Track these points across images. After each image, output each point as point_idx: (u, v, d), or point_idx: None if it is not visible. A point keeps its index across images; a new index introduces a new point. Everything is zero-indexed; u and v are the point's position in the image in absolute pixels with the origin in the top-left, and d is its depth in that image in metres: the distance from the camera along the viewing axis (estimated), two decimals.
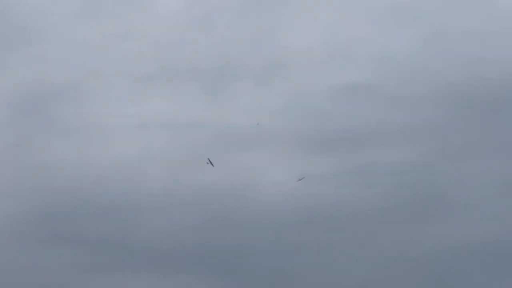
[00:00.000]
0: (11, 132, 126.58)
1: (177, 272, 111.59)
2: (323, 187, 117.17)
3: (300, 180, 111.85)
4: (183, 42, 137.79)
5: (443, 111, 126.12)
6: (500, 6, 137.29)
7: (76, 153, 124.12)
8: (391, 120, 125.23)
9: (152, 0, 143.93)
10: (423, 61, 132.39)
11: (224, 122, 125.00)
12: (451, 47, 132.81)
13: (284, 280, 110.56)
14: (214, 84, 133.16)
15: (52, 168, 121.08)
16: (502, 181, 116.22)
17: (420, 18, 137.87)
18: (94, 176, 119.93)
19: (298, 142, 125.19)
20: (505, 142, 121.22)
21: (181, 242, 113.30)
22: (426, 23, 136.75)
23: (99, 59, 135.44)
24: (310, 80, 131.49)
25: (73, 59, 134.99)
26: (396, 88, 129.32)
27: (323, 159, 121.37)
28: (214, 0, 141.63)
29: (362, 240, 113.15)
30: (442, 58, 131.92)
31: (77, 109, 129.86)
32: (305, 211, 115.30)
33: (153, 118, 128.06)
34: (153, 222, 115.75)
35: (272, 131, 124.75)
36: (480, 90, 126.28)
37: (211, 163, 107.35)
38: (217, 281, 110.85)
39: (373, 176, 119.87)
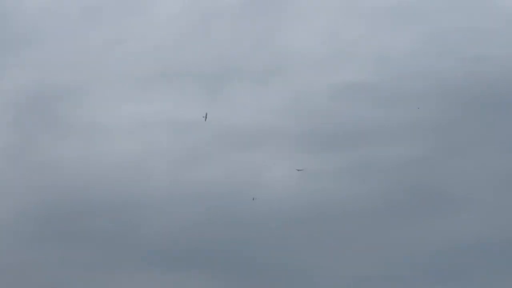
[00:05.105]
0: (15, 133, 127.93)
1: (179, 269, 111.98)
2: (323, 185, 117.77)
3: (299, 170, 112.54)
4: (183, 44, 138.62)
5: (443, 108, 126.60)
6: (499, 5, 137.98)
7: (79, 152, 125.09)
8: (390, 118, 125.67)
9: (152, 4, 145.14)
10: (422, 60, 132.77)
11: (224, 122, 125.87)
12: (450, 46, 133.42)
13: (285, 277, 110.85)
14: (215, 85, 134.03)
15: (55, 168, 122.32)
16: (501, 178, 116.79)
17: (419, 17, 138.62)
18: (96, 175, 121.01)
19: (298, 140, 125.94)
20: (505, 138, 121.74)
21: (183, 240, 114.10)
22: (425, 22, 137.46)
23: (100, 62, 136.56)
24: (310, 80, 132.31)
25: (74, 62, 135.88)
26: (396, 87, 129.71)
27: (323, 157, 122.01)
28: (213, 1, 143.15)
29: (363, 237, 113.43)
30: (441, 57, 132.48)
31: (80, 109, 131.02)
32: (306, 208, 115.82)
33: (154, 118, 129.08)
34: (155, 220, 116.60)
35: (272, 130, 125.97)
36: (479, 88, 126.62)
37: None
38: (219, 279, 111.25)
39: (373, 174, 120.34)
